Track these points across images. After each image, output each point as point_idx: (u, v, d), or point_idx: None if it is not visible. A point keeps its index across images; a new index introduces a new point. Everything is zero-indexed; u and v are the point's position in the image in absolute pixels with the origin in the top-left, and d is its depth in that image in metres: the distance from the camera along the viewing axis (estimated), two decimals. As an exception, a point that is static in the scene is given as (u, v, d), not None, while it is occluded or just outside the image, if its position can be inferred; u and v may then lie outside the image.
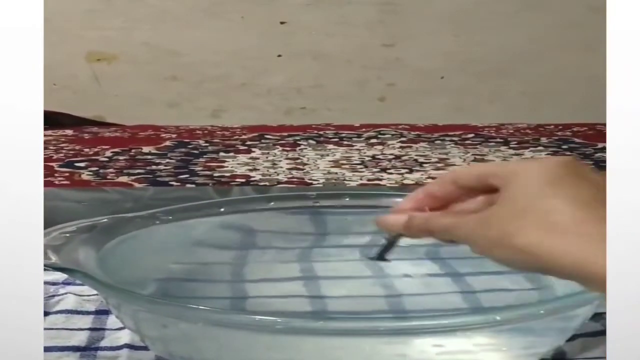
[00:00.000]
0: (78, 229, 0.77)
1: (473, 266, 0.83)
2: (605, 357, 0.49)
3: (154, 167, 1.49)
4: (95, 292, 0.77)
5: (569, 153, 1.60)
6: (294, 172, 1.46)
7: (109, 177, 1.41)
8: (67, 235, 0.75)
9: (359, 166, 1.50)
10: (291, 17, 1.96)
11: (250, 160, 1.55)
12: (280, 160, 1.54)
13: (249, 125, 1.86)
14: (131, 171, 1.45)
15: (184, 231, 0.86)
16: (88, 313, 0.81)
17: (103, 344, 0.76)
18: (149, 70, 1.96)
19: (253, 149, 1.63)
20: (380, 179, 1.42)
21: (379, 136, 1.75)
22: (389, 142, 1.69)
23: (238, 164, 1.52)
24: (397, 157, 1.57)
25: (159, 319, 0.67)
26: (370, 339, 0.63)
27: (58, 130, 1.80)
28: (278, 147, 1.66)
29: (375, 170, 1.47)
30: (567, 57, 1.95)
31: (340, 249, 0.90)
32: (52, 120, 1.78)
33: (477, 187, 0.58)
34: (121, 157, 1.56)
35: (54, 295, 0.85)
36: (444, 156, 1.58)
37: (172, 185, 1.37)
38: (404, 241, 0.65)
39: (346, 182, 1.40)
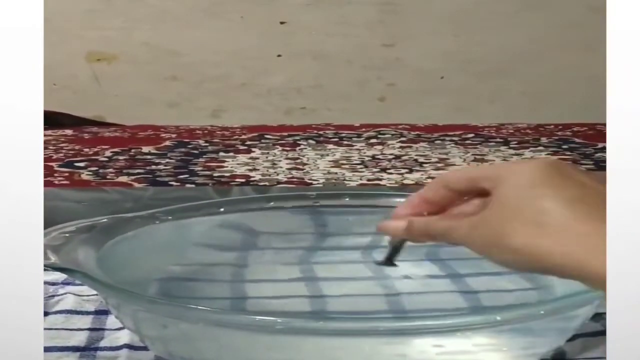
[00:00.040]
0: (77, 229, 0.77)
1: (473, 267, 0.83)
2: (605, 357, 0.49)
3: (153, 167, 1.49)
4: (94, 292, 0.77)
5: (569, 153, 1.60)
6: (293, 172, 1.46)
7: (108, 177, 1.41)
8: (67, 235, 0.75)
9: (358, 166, 1.50)
10: (291, 17, 1.96)
11: (250, 160, 1.55)
12: (280, 160, 1.54)
13: (249, 125, 1.86)
14: (131, 171, 1.45)
15: (184, 231, 0.86)
16: (87, 313, 0.81)
17: (102, 344, 0.76)
18: (149, 70, 1.96)
19: (253, 149, 1.63)
20: (380, 179, 1.42)
21: (379, 136, 1.75)
22: (389, 142, 1.69)
23: (238, 164, 1.52)
24: (397, 157, 1.57)
25: (158, 319, 0.67)
26: (370, 339, 0.63)
27: (58, 130, 1.80)
28: (278, 147, 1.66)
29: (375, 170, 1.47)
30: (567, 57, 1.95)
31: (341, 249, 0.89)
32: (52, 120, 1.78)
33: (469, 190, 0.59)
34: (121, 157, 1.56)
35: (53, 296, 0.84)
36: (444, 156, 1.58)
37: (171, 185, 1.37)
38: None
39: (346, 182, 1.40)
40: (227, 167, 1.50)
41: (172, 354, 0.69)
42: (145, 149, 1.63)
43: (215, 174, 1.44)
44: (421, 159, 1.55)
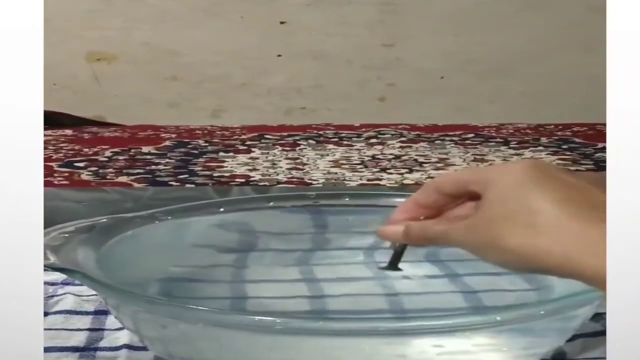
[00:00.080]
0: (77, 229, 0.76)
1: (472, 267, 0.82)
2: (605, 358, 0.49)
3: (153, 167, 1.49)
4: (94, 292, 0.76)
5: (569, 153, 1.60)
6: (293, 172, 1.46)
7: (108, 177, 1.41)
8: (66, 235, 0.75)
9: (358, 166, 1.50)
10: (291, 17, 1.95)
11: (249, 160, 1.55)
12: (279, 160, 1.54)
13: (248, 125, 1.86)
14: (131, 171, 1.45)
15: (184, 231, 0.86)
16: (87, 313, 0.81)
17: (102, 344, 0.76)
18: (149, 70, 1.96)
19: (253, 149, 1.63)
20: (380, 179, 1.42)
21: (379, 136, 1.75)
22: (389, 142, 1.69)
23: (238, 164, 1.52)
24: (397, 157, 1.57)
25: (158, 320, 0.67)
26: (370, 339, 0.63)
27: (58, 130, 1.80)
28: (278, 147, 1.66)
29: (375, 170, 1.47)
30: (567, 57, 1.95)
31: (341, 250, 0.89)
32: (52, 120, 1.78)
33: (460, 193, 0.60)
34: (121, 157, 1.56)
35: (52, 296, 0.84)
36: (444, 156, 1.58)
37: (171, 185, 1.37)
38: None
39: (346, 182, 1.40)
40: (227, 167, 1.50)
41: (171, 354, 0.69)
42: (145, 149, 1.63)
43: (215, 174, 1.44)
44: (421, 159, 1.55)
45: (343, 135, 1.76)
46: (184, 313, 0.65)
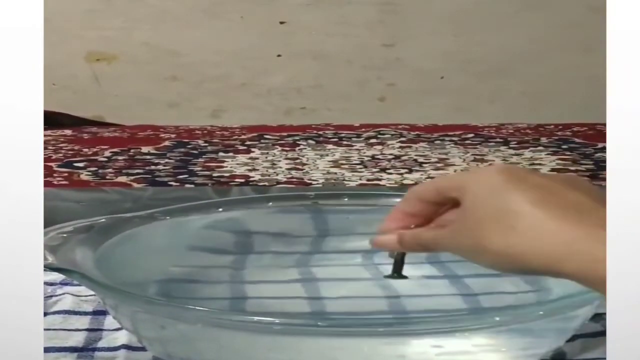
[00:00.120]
0: (75, 229, 0.76)
1: (471, 269, 0.82)
2: (605, 358, 0.49)
3: (153, 167, 1.49)
4: (92, 292, 0.76)
5: (569, 153, 1.60)
6: (293, 172, 1.46)
7: (107, 177, 1.41)
8: (65, 235, 0.75)
9: (358, 166, 1.50)
10: (291, 17, 1.95)
11: (249, 161, 1.55)
12: (279, 160, 1.54)
13: (248, 125, 1.86)
14: (130, 171, 1.45)
15: (183, 231, 0.86)
16: (85, 314, 0.81)
17: (100, 344, 0.76)
18: (149, 70, 1.96)
19: (252, 149, 1.63)
20: (380, 179, 1.42)
21: (379, 136, 1.75)
22: (389, 142, 1.69)
23: (237, 164, 1.52)
24: (397, 157, 1.57)
25: (157, 320, 0.66)
26: (369, 340, 0.63)
27: (57, 130, 1.80)
28: (277, 147, 1.66)
29: (374, 170, 1.47)
30: (567, 57, 1.95)
31: (341, 251, 0.89)
32: (51, 120, 1.78)
33: (440, 200, 0.61)
34: (120, 157, 1.56)
35: (51, 296, 0.84)
36: (444, 156, 1.57)
37: (171, 185, 1.37)
38: None
39: (345, 182, 1.40)
40: (226, 167, 1.50)
41: (170, 354, 0.69)
42: (144, 149, 1.63)
43: (215, 174, 1.44)
44: (421, 159, 1.55)
45: (343, 135, 1.76)
46: (182, 313, 0.64)
